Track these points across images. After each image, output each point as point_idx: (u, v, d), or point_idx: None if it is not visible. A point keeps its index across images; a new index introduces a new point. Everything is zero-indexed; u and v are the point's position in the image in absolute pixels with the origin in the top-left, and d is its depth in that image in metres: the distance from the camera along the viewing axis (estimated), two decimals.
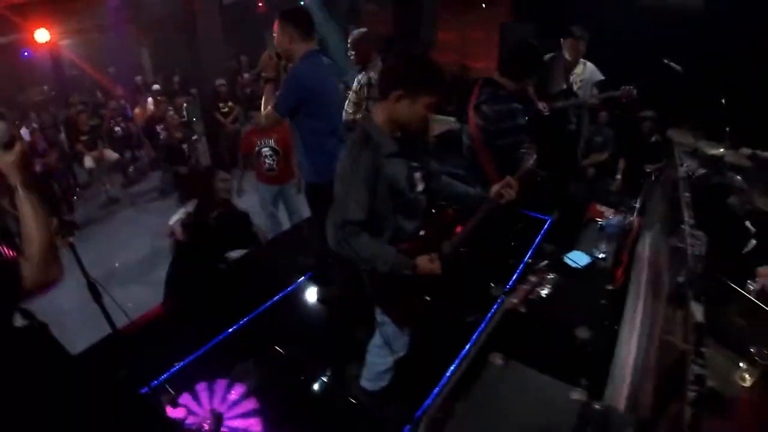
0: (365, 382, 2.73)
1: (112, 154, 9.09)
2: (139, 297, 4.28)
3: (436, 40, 5.57)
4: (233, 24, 10.52)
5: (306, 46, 2.98)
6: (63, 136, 9.42)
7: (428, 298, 2.47)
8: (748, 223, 3.04)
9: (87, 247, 5.46)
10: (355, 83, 4.42)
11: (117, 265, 5.19)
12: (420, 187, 2.30)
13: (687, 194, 2.44)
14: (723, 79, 4.62)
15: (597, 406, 1.91)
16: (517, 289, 2.97)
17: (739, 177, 3.42)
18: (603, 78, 4.66)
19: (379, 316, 2.43)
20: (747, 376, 1.97)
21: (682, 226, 2.30)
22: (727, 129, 3.93)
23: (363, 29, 4.54)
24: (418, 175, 2.28)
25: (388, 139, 2.14)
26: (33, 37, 8.20)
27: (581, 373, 2.10)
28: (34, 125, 9.21)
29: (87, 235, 6.77)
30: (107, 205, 8.09)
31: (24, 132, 8.54)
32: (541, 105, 4.67)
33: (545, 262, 3.38)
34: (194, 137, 9.20)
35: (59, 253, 1.63)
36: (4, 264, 1.55)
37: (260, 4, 10.14)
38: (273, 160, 5.03)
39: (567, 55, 4.61)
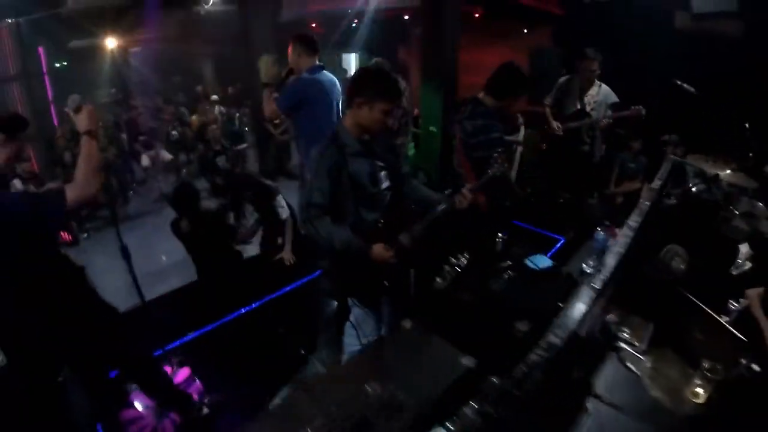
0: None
1: (166, 155, 9.71)
2: (174, 283, 4.83)
3: (457, 61, 5.87)
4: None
5: (311, 62, 3.67)
6: (124, 135, 10.13)
7: (386, 283, 2.66)
8: (745, 246, 3.07)
9: (136, 235, 6.11)
10: None
11: (162, 257, 5.61)
12: (384, 184, 2.64)
13: (646, 203, 2.53)
14: (753, 105, 4.57)
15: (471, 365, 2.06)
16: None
17: (746, 198, 3.44)
18: (617, 100, 4.71)
19: (350, 300, 2.75)
20: (700, 391, 1.97)
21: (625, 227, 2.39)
22: (751, 154, 3.94)
23: (378, 59, 5.15)
24: (383, 173, 2.62)
25: (354, 140, 2.49)
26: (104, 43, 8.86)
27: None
28: (99, 123, 9.91)
29: (138, 225, 7.37)
30: (159, 201, 8.64)
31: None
32: (554, 125, 4.82)
33: (508, 262, 3.49)
34: (244, 146, 9.65)
35: (96, 181, 2.23)
36: (56, 193, 2.12)
37: (314, 24, 10.60)
38: None
39: (581, 77, 4.71)
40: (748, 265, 3.01)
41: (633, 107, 4.48)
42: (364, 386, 1.90)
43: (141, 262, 2.92)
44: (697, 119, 4.75)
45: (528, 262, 3.29)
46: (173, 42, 11.54)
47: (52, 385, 3.09)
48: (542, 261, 3.32)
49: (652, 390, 2.06)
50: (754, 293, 2.50)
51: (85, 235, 7.08)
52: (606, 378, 2.13)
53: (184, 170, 9.94)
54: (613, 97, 4.73)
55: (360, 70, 2.58)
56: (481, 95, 3.47)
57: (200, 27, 10.94)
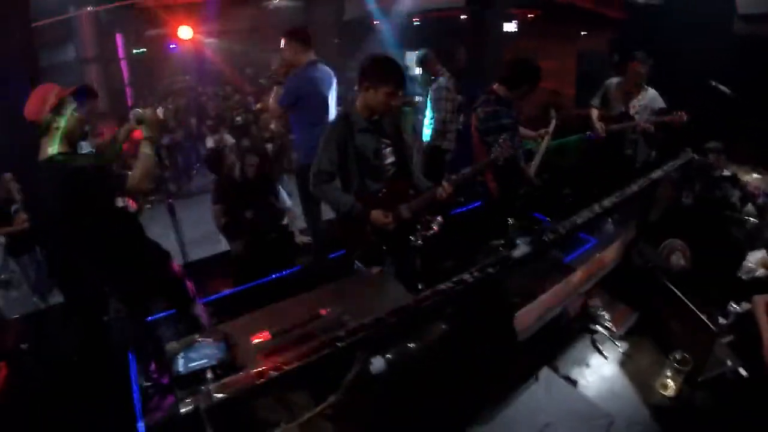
0: None
1: (229, 139, 10.22)
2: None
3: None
4: (354, 38, 11.30)
5: (306, 56, 3.72)
6: (193, 119, 10.78)
7: (384, 247, 2.95)
8: (761, 252, 2.93)
9: (194, 209, 6.57)
10: (433, 91, 5.11)
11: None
12: (389, 159, 2.92)
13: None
14: None
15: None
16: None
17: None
18: (664, 106, 4.53)
19: (355, 264, 2.98)
20: (670, 383, 1.91)
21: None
22: None
23: (424, 49, 5.21)
24: (388, 150, 2.91)
25: (362, 118, 2.77)
26: (178, 33, 9.47)
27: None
28: (169, 107, 10.63)
29: (198, 201, 7.84)
30: None
31: (159, 111, 9.88)
32: (598, 126, 4.72)
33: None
34: (294, 137, 9.97)
35: (149, 181, 2.65)
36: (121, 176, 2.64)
37: (376, 22, 10.83)
38: None
39: (629, 80, 4.59)
40: (762, 271, 2.88)
41: (675, 113, 4.34)
42: (319, 310, 2.19)
43: (192, 231, 3.23)
44: (735, 123, 4.52)
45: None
46: (243, 34, 12.12)
47: (99, 323, 3.58)
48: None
49: (620, 376, 2.04)
50: (761, 300, 2.41)
51: (149, 205, 7.61)
52: (573, 356, 2.12)
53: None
54: (660, 103, 4.57)
55: (368, 58, 2.78)
56: (495, 86, 3.64)
57: (269, 21, 11.46)
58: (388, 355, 1.78)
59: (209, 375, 1.84)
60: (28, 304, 5.25)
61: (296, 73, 3.71)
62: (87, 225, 2.63)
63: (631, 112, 4.60)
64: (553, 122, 4.27)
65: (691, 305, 2.01)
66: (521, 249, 1.77)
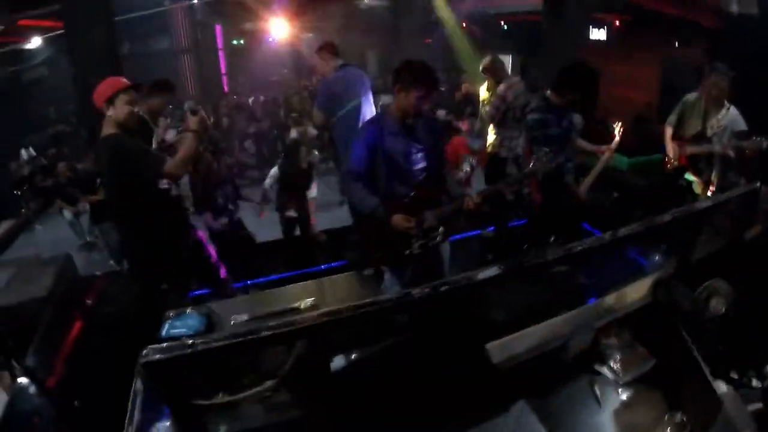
0: None
1: (313, 131, 10.47)
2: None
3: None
4: (443, 39, 11.11)
5: (335, 63, 3.92)
6: (282, 111, 11.15)
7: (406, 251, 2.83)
8: None
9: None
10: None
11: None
12: (419, 165, 2.83)
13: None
14: None
15: None
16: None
17: None
18: (745, 128, 3.92)
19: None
20: None
21: None
22: None
23: (489, 56, 5.05)
24: (419, 155, 2.82)
25: (394, 121, 2.73)
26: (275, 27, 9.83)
27: None
28: (262, 98, 11.09)
29: None
30: None
31: (250, 100, 10.37)
32: (670, 147, 4.23)
33: None
34: None
35: (185, 169, 2.94)
36: (159, 159, 2.82)
37: (464, 24, 10.58)
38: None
39: (707, 95, 4.02)
40: None
41: (754, 138, 3.74)
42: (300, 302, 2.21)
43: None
44: None
45: None
46: (336, 31, 12.35)
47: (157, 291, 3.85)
48: None
49: (609, 428, 1.77)
50: None
51: None
52: (562, 396, 1.87)
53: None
54: (741, 125, 3.94)
55: (403, 62, 2.75)
56: (548, 92, 3.40)
57: (360, 20, 11.60)
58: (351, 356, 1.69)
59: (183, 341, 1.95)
60: (106, 266, 5.70)
61: (325, 78, 3.99)
62: (131, 200, 2.88)
63: (708, 133, 4.05)
64: (616, 138, 3.84)
65: (701, 360, 1.69)
66: (490, 270, 1.55)
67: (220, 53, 11.48)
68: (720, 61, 4.07)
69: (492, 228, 4.98)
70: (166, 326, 2.08)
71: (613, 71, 8.80)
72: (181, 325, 2.06)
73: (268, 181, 5.03)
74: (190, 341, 1.30)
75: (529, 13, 8.75)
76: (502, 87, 4.69)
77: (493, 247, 4.88)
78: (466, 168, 5.22)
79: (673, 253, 2.35)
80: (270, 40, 12.29)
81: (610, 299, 2.09)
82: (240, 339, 1.30)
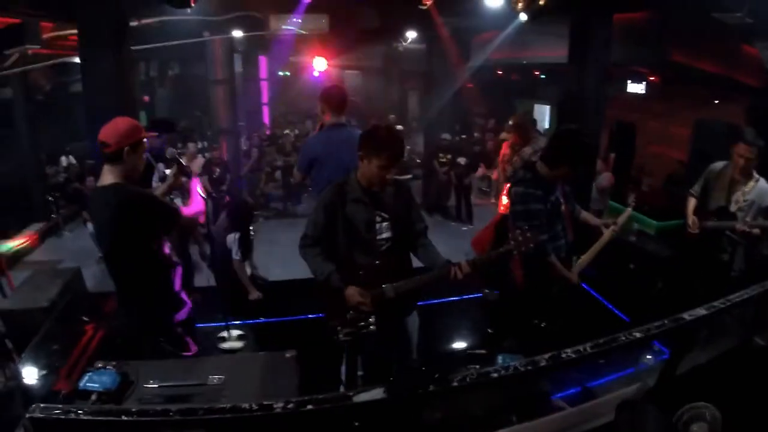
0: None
1: None
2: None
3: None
4: (479, 85, 10.96)
5: (332, 119, 3.42)
6: None
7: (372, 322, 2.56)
8: None
9: (292, 230, 6.58)
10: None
11: None
12: (383, 234, 2.60)
13: None
14: None
15: None
16: None
17: None
18: None
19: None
20: None
21: None
22: None
23: (521, 112, 4.63)
24: (385, 224, 2.60)
25: (358, 188, 2.55)
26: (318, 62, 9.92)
27: None
28: (297, 132, 11.19)
29: (299, 223, 8.04)
30: None
31: (285, 132, 10.48)
32: (690, 220, 3.80)
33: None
34: (408, 176, 9.76)
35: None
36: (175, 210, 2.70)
37: (500, 72, 10.39)
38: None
39: (734, 165, 3.60)
40: None
41: None
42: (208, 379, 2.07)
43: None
44: None
45: (500, 359, 2.45)
46: (375, 72, 12.45)
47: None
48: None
49: None
50: None
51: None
52: None
53: None
54: None
55: (366, 128, 2.60)
56: (537, 162, 3.00)
57: (398, 61, 11.63)
58: None
59: (93, 398, 1.94)
60: None
61: (307, 139, 3.63)
62: (138, 259, 2.54)
63: (733, 207, 3.61)
64: (627, 211, 3.41)
65: None
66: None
67: (263, 83, 11.71)
68: (753, 120, 3.63)
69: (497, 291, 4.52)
70: (85, 378, 2.04)
71: (650, 127, 8.36)
72: (97, 380, 2.01)
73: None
74: (69, 409, 1.30)
75: (558, 65, 8.46)
76: (528, 150, 4.40)
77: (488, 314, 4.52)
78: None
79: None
80: (315, 74, 12.42)
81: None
82: (102, 418, 1.31)
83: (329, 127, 3.45)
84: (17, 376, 3.50)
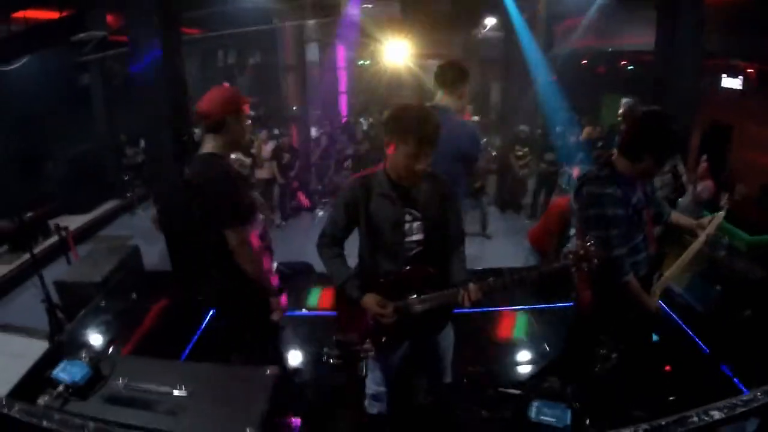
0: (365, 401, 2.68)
1: None
2: None
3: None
4: (563, 75, 10.15)
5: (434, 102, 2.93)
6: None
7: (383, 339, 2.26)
8: None
9: None
10: None
11: None
12: (413, 236, 2.19)
13: None
14: None
15: None
16: None
17: None
18: None
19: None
20: None
21: None
22: None
23: (632, 100, 4.03)
24: (416, 225, 2.18)
25: (385, 181, 2.14)
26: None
27: None
28: (371, 120, 11.02)
29: None
30: None
31: (361, 119, 10.39)
32: None
33: None
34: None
35: None
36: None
37: (584, 62, 9.49)
38: None
39: None
40: None
41: None
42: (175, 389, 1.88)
43: None
44: None
45: (533, 410, 1.98)
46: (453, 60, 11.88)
47: None
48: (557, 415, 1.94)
49: None
50: None
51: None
52: None
53: None
54: None
55: (393, 108, 2.11)
56: (614, 156, 2.40)
57: (476, 50, 11.04)
58: None
59: (60, 388, 1.84)
60: None
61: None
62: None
63: None
64: (719, 216, 2.74)
65: None
66: None
67: (341, 72, 11.62)
68: None
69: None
70: (59, 366, 1.91)
71: (746, 129, 7.21)
72: (68, 371, 1.88)
73: None
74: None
75: (638, 53, 7.47)
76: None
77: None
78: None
79: None
80: (395, 63, 12.11)
81: None
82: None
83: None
84: (62, 347, 3.66)
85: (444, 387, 2.57)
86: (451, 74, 2.84)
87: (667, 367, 3.38)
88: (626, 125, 3.90)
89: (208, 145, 2.34)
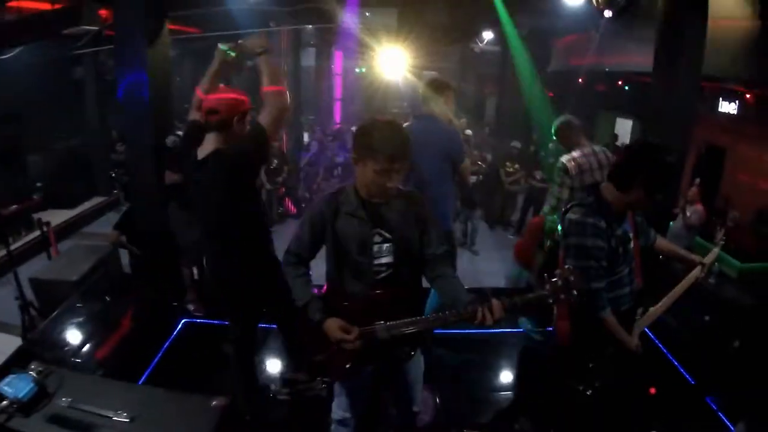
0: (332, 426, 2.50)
1: None
2: None
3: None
4: (558, 92, 10.12)
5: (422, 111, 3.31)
6: None
7: (347, 365, 2.06)
8: None
9: None
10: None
11: None
12: (382, 259, 2.04)
13: None
14: None
15: None
16: None
17: None
18: None
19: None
20: None
21: None
22: None
23: (567, 116, 3.88)
24: (386, 246, 2.03)
25: (354, 198, 2.02)
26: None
27: None
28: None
29: None
30: None
31: (353, 128, 10.23)
32: None
33: None
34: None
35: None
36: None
37: (580, 80, 9.46)
38: None
39: None
40: None
41: None
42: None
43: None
44: None
45: None
46: (451, 73, 11.88)
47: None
48: None
49: None
50: None
51: None
52: None
53: None
54: None
55: (361, 123, 2.01)
56: (604, 182, 2.27)
57: (473, 63, 11.02)
58: None
59: (5, 403, 1.80)
60: None
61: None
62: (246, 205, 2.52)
63: None
64: (715, 251, 2.62)
65: None
66: None
67: (337, 78, 11.51)
68: None
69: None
70: (6, 379, 1.85)
71: (740, 153, 7.16)
72: (14, 385, 1.81)
73: None
74: None
75: (643, 74, 7.37)
76: (564, 159, 3.63)
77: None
78: None
79: None
80: (393, 72, 12.04)
81: None
82: None
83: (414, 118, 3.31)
84: (34, 345, 3.52)
85: (412, 416, 2.40)
86: (436, 86, 3.25)
87: (651, 394, 3.28)
88: (560, 141, 3.86)
89: (213, 143, 2.37)
